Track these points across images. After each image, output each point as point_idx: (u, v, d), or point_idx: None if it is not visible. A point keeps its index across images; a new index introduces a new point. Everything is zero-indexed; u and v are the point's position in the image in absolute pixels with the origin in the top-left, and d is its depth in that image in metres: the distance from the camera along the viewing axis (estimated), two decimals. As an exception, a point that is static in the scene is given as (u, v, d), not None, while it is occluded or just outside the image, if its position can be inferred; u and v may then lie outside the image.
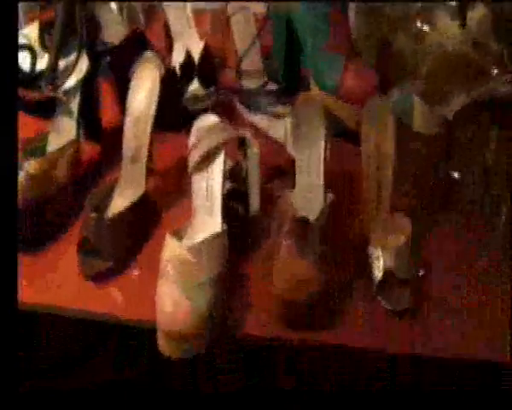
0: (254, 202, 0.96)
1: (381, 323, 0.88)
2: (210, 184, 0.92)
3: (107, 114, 1.12)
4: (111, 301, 0.90)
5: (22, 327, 0.76)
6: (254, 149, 0.95)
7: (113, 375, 0.92)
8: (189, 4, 1.22)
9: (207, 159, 0.93)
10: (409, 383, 0.89)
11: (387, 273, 0.90)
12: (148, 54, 1.06)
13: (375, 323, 0.88)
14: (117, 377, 0.93)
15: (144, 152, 0.99)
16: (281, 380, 0.91)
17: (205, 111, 1.02)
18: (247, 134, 0.96)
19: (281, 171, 1.04)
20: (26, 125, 1.06)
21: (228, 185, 0.97)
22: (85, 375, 0.93)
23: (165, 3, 1.21)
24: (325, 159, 0.98)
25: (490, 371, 0.84)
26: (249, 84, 1.18)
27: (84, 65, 1.05)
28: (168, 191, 1.04)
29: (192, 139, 0.95)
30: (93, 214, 0.92)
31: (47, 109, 1.06)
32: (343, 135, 1.08)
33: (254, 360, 0.89)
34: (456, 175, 1.05)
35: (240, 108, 1.15)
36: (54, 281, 0.92)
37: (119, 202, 0.97)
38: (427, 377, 0.89)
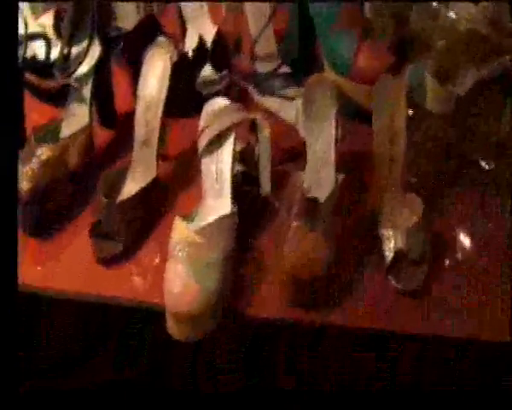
0: (265, 183, 0.96)
1: (392, 303, 0.88)
2: (219, 167, 0.92)
3: (122, 100, 1.12)
4: (123, 284, 0.91)
5: (22, 327, 0.77)
6: (265, 132, 0.95)
7: (113, 375, 0.92)
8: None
9: (217, 141, 0.93)
10: (409, 383, 0.89)
11: (398, 253, 0.89)
12: (161, 39, 1.06)
13: (385, 303, 0.88)
14: (117, 377, 0.92)
15: (155, 137, 1.00)
16: (281, 380, 0.92)
17: (217, 95, 1.02)
18: (258, 116, 0.96)
19: (293, 153, 1.03)
20: (42, 114, 1.08)
21: (239, 168, 0.96)
22: (85, 375, 0.94)
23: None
24: (336, 140, 0.97)
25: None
26: (263, 67, 1.17)
27: (96, 51, 1.05)
28: (181, 176, 1.04)
29: (202, 123, 0.95)
30: (104, 198, 0.93)
31: (62, 97, 1.06)
32: (357, 116, 1.07)
33: (254, 360, 0.90)
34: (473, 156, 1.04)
35: (252, 91, 1.15)
36: (66, 265, 0.93)
37: (131, 186, 0.97)
38: (427, 377, 0.89)
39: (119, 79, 1.13)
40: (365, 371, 0.89)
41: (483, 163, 1.04)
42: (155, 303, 0.85)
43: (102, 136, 1.08)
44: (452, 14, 1.10)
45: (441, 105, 1.04)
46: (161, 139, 1.01)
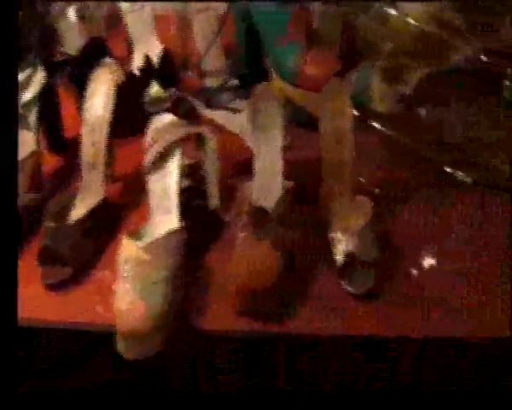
0: (214, 197, 0.95)
1: (347, 308, 0.87)
2: (166, 183, 0.92)
3: (71, 125, 1.11)
4: (75, 309, 0.89)
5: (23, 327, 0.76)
6: (211, 144, 0.94)
7: (113, 375, 0.91)
8: (148, 8, 1.21)
9: (164, 157, 0.92)
10: (409, 383, 0.88)
11: (349, 256, 0.88)
12: (106, 60, 1.06)
13: (341, 308, 0.87)
14: (117, 377, 0.91)
15: (102, 158, 0.99)
16: (281, 380, 0.90)
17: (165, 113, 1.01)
18: (204, 129, 0.96)
19: (243, 166, 1.02)
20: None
21: (186, 183, 0.96)
22: (85, 375, 0.92)
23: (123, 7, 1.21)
24: (284, 147, 0.97)
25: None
26: (212, 82, 1.17)
27: (40, 77, 1.05)
28: (131, 195, 1.03)
29: (148, 139, 0.94)
30: (52, 223, 0.92)
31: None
32: (306, 123, 1.07)
33: (254, 360, 0.88)
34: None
35: (199, 106, 1.14)
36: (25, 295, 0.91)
37: (80, 209, 0.96)
38: (427, 377, 0.87)
39: (68, 103, 1.12)
40: (365, 371, 0.88)
41: (459, 175, 1.03)
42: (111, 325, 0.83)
43: (52, 162, 1.08)
44: (400, 16, 1.10)
45: (388, 105, 1.04)
46: (109, 160, 1.00)
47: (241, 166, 1.04)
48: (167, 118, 0.95)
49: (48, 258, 0.91)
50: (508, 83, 0.99)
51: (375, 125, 1.06)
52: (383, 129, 1.05)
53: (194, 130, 0.95)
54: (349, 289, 0.88)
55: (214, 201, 0.95)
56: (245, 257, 0.85)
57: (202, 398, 0.92)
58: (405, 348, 0.85)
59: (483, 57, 1.01)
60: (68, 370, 0.91)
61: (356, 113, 0.99)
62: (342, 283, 0.89)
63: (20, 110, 1.03)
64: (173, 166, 0.92)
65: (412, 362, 0.86)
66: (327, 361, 0.87)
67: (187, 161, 0.96)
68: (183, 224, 0.89)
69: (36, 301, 0.89)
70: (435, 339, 0.84)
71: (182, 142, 0.93)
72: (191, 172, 0.98)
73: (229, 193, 0.98)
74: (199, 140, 0.96)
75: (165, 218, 0.90)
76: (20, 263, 0.84)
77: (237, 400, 0.91)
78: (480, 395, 0.87)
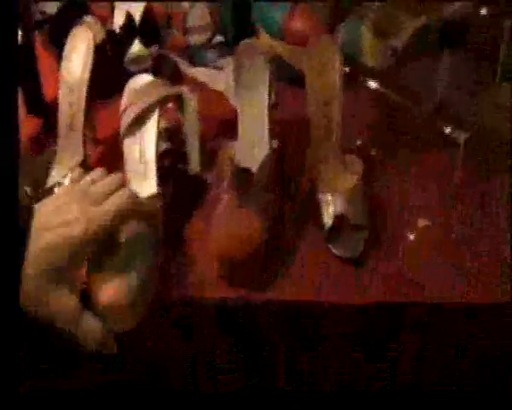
0: (195, 160, 0.91)
1: (335, 273, 0.84)
2: (143, 147, 0.88)
3: (50, 86, 1.06)
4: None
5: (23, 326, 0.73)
6: (191, 104, 0.90)
7: (113, 375, 0.89)
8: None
9: (140, 120, 0.88)
10: (409, 383, 0.87)
11: (339, 219, 0.85)
12: (86, 18, 1.03)
13: (328, 274, 0.84)
14: (117, 377, 0.90)
15: (81, 119, 0.94)
16: (281, 380, 0.89)
17: (146, 72, 0.97)
18: (184, 90, 0.91)
19: (226, 125, 0.98)
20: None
21: (165, 145, 0.91)
22: (85, 375, 0.90)
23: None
24: (270, 105, 0.92)
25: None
26: (195, 40, 1.12)
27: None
28: (111, 160, 0.97)
29: (124, 101, 0.90)
30: (28, 188, 0.88)
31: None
32: (293, 79, 1.02)
33: (254, 360, 0.87)
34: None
35: (182, 64, 1.10)
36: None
37: (58, 172, 0.92)
38: (427, 377, 0.86)
39: (47, 64, 1.08)
40: (365, 371, 0.86)
41: (455, 134, 0.98)
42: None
43: (32, 126, 1.04)
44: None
45: (378, 59, 0.99)
46: (88, 122, 0.96)
47: (224, 126, 0.99)
48: (146, 78, 0.91)
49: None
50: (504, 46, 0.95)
51: (369, 82, 1.01)
52: (374, 85, 1.00)
53: (173, 91, 0.91)
54: (336, 252, 0.84)
55: (195, 164, 0.90)
56: (227, 225, 0.82)
57: (202, 398, 0.91)
58: (405, 348, 0.84)
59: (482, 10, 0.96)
60: (68, 370, 0.89)
61: (346, 69, 0.94)
62: (330, 247, 0.85)
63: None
64: (150, 129, 0.88)
65: (412, 362, 0.85)
66: (327, 361, 0.86)
67: (165, 124, 0.91)
68: (161, 190, 0.84)
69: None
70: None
71: (159, 103, 0.88)
72: (170, 136, 0.93)
73: (211, 156, 0.94)
74: (178, 101, 0.91)
75: (142, 184, 0.86)
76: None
77: (237, 400, 0.90)
78: (480, 395, 0.86)
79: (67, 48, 0.98)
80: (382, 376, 0.86)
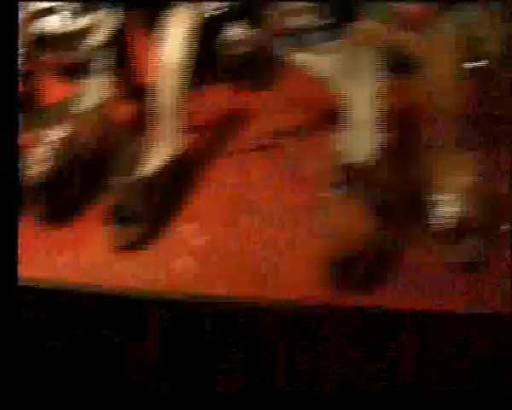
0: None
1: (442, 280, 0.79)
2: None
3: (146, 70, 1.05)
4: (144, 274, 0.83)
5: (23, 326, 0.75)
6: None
7: (113, 375, 0.91)
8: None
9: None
10: (409, 383, 0.85)
11: (452, 220, 0.79)
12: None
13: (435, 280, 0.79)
14: (117, 377, 0.91)
15: (178, 105, 0.93)
16: (281, 380, 0.88)
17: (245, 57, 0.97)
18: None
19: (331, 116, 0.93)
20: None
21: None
22: (86, 374, 0.91)
23: None
24: (379, 95, 0.87)
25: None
26: (299, 22, 1.08)
27: (113, 19, 1.01)
28: (207, 148, 0.96)
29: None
30: (123, 178, 0.87)
31: (78, 71, 1.00)
32: (403, 67, 0.96)
33: (254, 360, 0.87)
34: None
35: (283, 47, 1.05)
36: (82, 256, 0.85)
37: (153, 162, 0.90)
38: (428, 377, 0.84)
39: (141, 48, 1.06)
40: (365, 371, 0.85)
41: None
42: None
43: (126, 111, 1.03)
44: None
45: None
46: (186, 109, 0.93)
47: (326, 116, 0.95)
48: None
49: (119, 217, 0.84)
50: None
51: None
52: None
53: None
54: (449, 258, 0.79)
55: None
56: (333, 220, 0.79)
57: (202, 398, 0.91)
58: (406, 348, 0.82)
59: None
60: (69, 370, 0.91)
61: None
62: (440, 251, 0.79)
63: (86, 57, 0.99)
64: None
65: (412, 362, 0.83)
66: (327, 361, 0.85)
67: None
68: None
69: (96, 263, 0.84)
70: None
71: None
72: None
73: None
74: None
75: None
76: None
77: (237, 400, 0.90)
78: (479, 395, 0.84)
79: (166, 33, 0.96)
80: (382, 376, 0.85)
